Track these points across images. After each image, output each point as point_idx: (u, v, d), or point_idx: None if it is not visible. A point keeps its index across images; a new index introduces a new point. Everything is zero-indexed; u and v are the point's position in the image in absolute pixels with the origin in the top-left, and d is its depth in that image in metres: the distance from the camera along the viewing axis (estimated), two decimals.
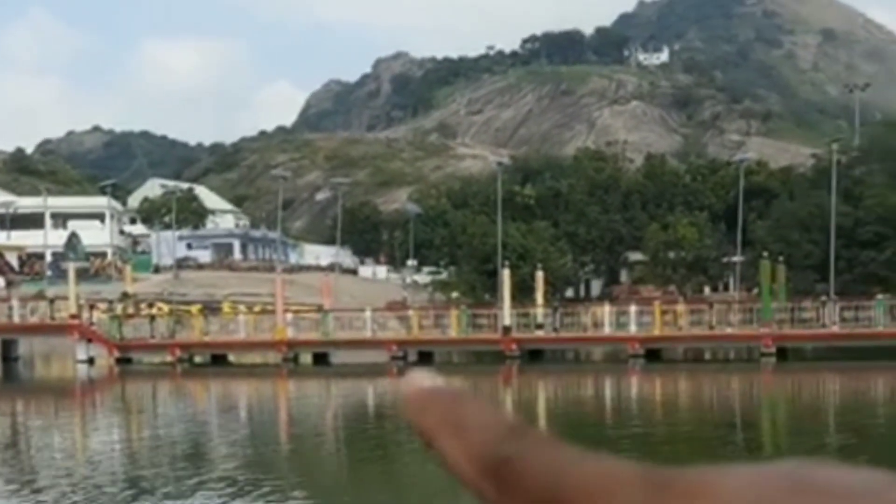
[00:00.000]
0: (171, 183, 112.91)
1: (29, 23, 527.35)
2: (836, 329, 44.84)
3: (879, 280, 63.34)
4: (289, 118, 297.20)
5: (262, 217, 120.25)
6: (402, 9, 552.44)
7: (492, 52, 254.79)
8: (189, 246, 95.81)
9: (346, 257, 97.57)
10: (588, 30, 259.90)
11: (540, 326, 48.16)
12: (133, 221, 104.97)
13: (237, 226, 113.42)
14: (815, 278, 67.21)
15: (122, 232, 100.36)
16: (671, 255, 78.41)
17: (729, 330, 46.36)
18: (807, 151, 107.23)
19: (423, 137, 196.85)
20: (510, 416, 0.52)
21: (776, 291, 48.87)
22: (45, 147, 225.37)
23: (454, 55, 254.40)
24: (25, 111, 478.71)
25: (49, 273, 78.78)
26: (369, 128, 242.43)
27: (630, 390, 36.63)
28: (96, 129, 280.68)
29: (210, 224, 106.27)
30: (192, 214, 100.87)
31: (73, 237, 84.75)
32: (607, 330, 47.21)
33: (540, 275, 51.19)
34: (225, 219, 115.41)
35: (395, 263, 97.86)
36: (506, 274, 50.31)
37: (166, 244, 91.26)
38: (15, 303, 52.41)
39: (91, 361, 48.57)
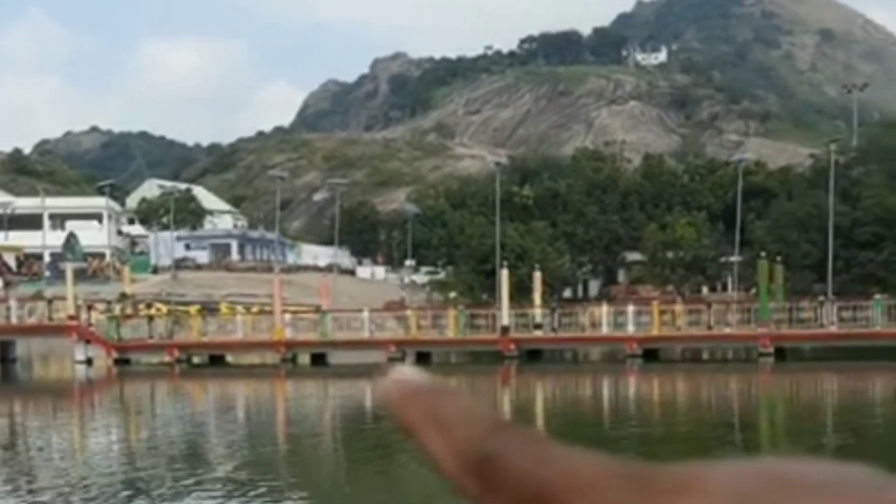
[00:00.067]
0: (169, 183, 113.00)
1: (27, 23, 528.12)
2: (833, 329, 44.88)
3: (877, 280, 63.37)
4: (286, 118, 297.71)
5: (260, 217, 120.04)
6: (401, 9, 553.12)
7: (490, 53, 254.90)
8: (187, 246, 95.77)
9: (344, 258, 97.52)
10: (586, 30, 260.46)
11: (538, 326, 48.16)
12: (131, 222, 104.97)
13: (235, 226, 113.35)
14: (813, 278, 67.18)
15: (120, 232, 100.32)
16: (669, 255, 78.30)
17: (727, 330, 46.40)
18: (805, 152, 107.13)
19: (420, 138, 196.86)
20: (494, 412, 0.52)
21: (774, 291, 48.97)
22: (43, 147, 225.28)
23: (452, 55, 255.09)
24: (23, 111, 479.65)
25: (47, 274, 78.72)
26: (367, 128, 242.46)
27: (628, 390, 36.62)
28: (94, 129, 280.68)
29: (208, 224, 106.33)
30: (189, 215, 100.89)
31: (71, 238, 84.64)
32: (605, 330, 47.24)
33: (538, 275, 51.27)
34: (223, 219, 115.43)
35: (393, 264, 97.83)
36: (504, 274, 50.32)
37: (164, 245, 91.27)
38: (13, 303, 52.23)
39: (89, 362, 48.51)
